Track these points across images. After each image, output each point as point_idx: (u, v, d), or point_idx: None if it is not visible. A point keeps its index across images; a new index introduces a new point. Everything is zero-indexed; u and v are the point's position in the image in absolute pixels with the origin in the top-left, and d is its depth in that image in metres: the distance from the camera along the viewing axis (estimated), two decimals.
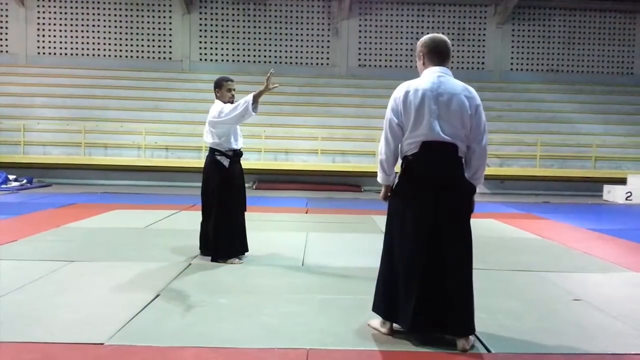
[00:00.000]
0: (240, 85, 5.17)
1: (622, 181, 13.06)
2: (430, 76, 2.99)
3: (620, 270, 5.02)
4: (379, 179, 3.12)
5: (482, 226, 7.70)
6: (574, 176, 14.18)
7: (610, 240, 6.75)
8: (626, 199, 12.49)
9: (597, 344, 3.06)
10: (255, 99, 4.59)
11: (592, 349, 2.99)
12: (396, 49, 18.11)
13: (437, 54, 3.04)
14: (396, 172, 3.11)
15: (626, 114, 16.77)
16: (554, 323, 3.39)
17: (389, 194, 3.13)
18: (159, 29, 17.99)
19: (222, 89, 4.89)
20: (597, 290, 4.25)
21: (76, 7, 17.74)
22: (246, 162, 5.34)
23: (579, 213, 9.94)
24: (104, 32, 17.83)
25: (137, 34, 17.93)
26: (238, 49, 18.08)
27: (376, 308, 3.15)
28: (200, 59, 18.03)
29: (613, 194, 12.82)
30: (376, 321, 3.20)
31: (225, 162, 4.87)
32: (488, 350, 2.93)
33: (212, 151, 4.92)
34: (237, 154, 4.98)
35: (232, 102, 4.80)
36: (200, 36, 18.02)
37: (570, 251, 5.89)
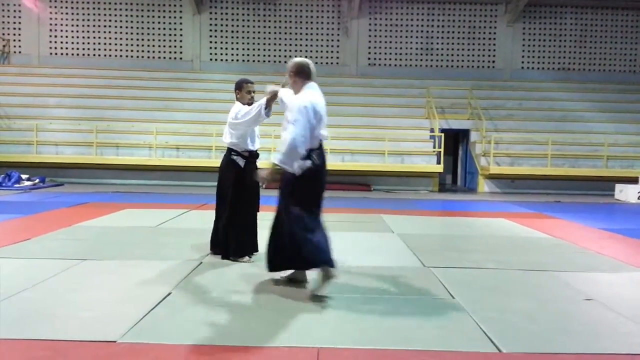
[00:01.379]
0: None
1: (634, 180, 12.95)
2: (316, 91, 3.94)
3: (632, 270, 4.98)
4: (293, 167, 3.74)
5: (493, 225, 7.68)
6: (586, 175, 14.06)
7: (622, 240, 6.70)
8: (638, 198, 12.37)
9: (608, 344, 3.05)
10: (268, 103, 4.64)
11: (603, 348, 2.98)
12: (406, 48, 18.06)
13: (305, 74, 3.97)
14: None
15: (639, 113, 16.59)
16: (566, 323, 3.38)
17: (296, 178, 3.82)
18: (170, 29, 18.11)
19: (242, 90, 4.96)
20: (608, 290, 4.22)
21: (88, 8, 17.92)
22: (257, 161, 5.36)
23: (590, 212, 9.87)
24: (115, 32, 18.00)
25: (148, 34, 18.07)
26: (248, 49, 18.15)
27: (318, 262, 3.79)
28: (211, 59, 18.12)
29: (625, 193, 12.70)
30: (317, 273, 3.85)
31: (241, 162, 4.92)
32: (499, 350, 2.93)
33: (229, 151, 4.99)
34: (253, 155, 5.02)
35: (251, 104, 4.87)
36: (211, 36, 18.11)
37: (582, 251, 5.85)
